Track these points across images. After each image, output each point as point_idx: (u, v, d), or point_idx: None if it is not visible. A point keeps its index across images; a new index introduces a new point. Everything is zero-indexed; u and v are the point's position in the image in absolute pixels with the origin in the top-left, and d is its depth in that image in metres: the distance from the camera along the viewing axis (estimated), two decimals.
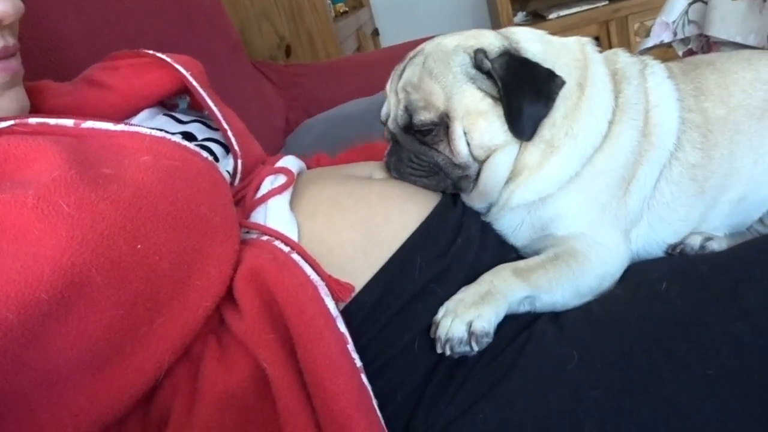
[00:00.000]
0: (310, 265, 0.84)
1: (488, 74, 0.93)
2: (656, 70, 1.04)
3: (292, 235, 0.90)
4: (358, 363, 0.77)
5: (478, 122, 0.94)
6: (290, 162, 1.10)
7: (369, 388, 0.76)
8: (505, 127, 0.94)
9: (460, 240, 0.95)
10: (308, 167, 1.30)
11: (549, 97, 0.92)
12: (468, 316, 0.83)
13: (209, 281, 0.78)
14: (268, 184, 1.00)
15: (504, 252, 1.02)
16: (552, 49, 0.99)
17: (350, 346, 0.77)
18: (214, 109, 1.07)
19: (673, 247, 1.02)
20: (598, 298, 0.92)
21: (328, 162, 1.36)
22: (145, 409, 0.75)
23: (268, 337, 0.76)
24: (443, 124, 0.96)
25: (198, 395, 0.74)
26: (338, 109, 2.15)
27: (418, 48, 1.02)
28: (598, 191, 0.97)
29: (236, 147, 1.06)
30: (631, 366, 0.79)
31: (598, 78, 0.99)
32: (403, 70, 1.00)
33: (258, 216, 0.95)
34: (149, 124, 1.06)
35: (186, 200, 0.78)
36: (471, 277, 0.92)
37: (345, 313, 0.82)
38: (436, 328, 0.84)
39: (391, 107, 1.02)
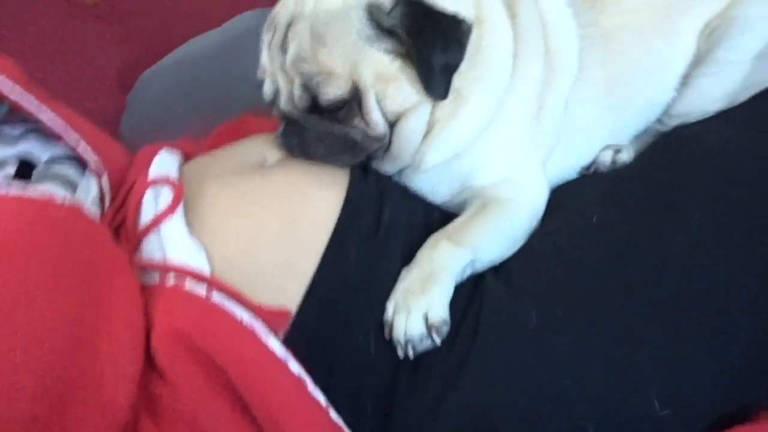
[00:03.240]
0: (236, 300, 0.73)
1: (388, 30, 0.81)
2: None
3: (202, 265, 0.77)
4: (323, 402, 0.70)
5: (389, 89, 0.84)
6: (167, 163, 0.93)
7: (341, 420, 0.70)
8: (417, 87, 0.84)
9: (386, 213, 0.87)
10: None
11: (460, 47, 0.82)
12: (421, 308, 0.77)
13: (117, 367, 0.64)
14: (151, 202, 0.84)
15: (430, 208, 0.95)
16: None
17: (310, 387, 0.69)
18: (51, 121, 0.85)
19: (587, 167, 1.01)
20: (537, 240, 0.89)
21: (193, 148, 1.18)
22: None
23: (214, 404, 0.66)
24: (355, 98, 0.84)
25: None
26: (183, 50, 1.87)
27: (288, 11, 0.85)
28: (512, 132, 0.93)
29: (92, 163, 0.86)
30: (590, 304, 0.79)
31: (493, 8, 0.91)
32: (284, 41, 0.85)
33: (152, 248, 0.80)
34: None
35: (54, 291, 0.61)
36: (411, 245, 0.85)
37: (290, 341, 0.74)
38: (391, 329, 0.77)
39: (281, 87, 0.87)
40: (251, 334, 0.69)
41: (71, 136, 0.85)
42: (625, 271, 0.81)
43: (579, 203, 0.92)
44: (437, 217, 0.94)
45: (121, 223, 0.85)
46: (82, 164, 0.89)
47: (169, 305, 0.70)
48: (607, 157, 1.00)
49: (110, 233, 0.75)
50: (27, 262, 0.61)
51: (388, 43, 0.83)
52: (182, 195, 0.83)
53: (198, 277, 0.74)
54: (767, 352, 0.76)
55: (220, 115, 1.62)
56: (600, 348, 0.76)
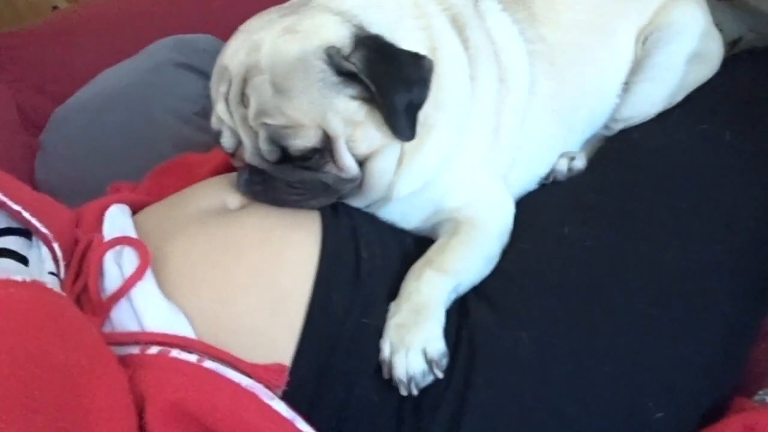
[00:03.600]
0: (230, 364, 0.69)
1: (350, 74, 0.79)
2: (489, 4, 0.98)
3: (186, 331, 0.72)
4: None
5: (356, 132, 0.82)
6: (119, 219, 0.86)
7: None
8: (383, 129, 0.82)
9: (363, 251, 0.85)
10: None
11: (423, 86, 0.81)
12: (418, 343, 0.75)
13: None
14: (113, 265, 0.78)
15: (402, 234, 0.94)
16: (390, 14, 0.87)
17: None
18: None
19: (546, 177, 1.04)
20: (512, 260, 0.90)
21: (128, 194, 1.10)
22: None
23: None
24: (326, 146, 0.81)
25: None
26: (94, 87, 1.75)
27: (241, 61, 0.81)
28: (476, 153, 0.93)
29: (41, 231, 0.78)
30: (580, 325, 0.80)
31: (445, 34, 0.91)
32: (242, 94, 0.81)
33: (124, 316, 0.74)
34: None
35: (35, 399, 0.54)
36: (393, 278, 0.84)
37: (289, 396, 0.71)
38: (390, 368, 0.75)
39: (244, 140, 0.83)
40: (253, 397, 0.65)
41: (10, 206, 0.77)
42: (608, 286, 0.83)
43: (547, 220, 0.93)
44: (410, 242, 0.93)
45: (82, 291, 0.78)
46: (26, 233, 0.81)
47: (160, 378, 0.65)
48: (563, 166, 1.03)
49: (78, 310, 0.69)
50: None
51: (352, 89, 0.80)
52: (149, 256, 0.78)
53: (184, 345, 0.69)
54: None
55: (144, 152, 1.55)
56: (596, 367, 0.78)
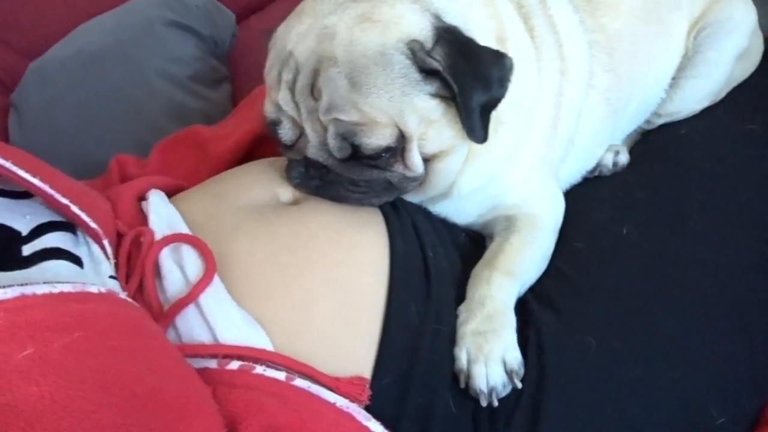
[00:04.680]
0: (314, 379, 0.65)
1: (430, 71, 0.74)
2: None
3: (263, 342, 0.67)
4: None
5: (429, 131, 0.77)
6: (166, 212, 0.80)
7: None
8: (456, 129, 0.78)
9: (428, 250, 0.82)
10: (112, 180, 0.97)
11: (502, 86, 0.76)
12: (498, 353, 0.74)
13: None
14: (172, 266, 0.72)
15: (456, 230, 0.92)
16: (461, 1, 0.81)
17: None
18: (36, 186, 0.67)
19: (591, 171, 1.02)
20: (568, 260, 0.88)
21: (137, 169, 1.02)
22: None
23: None
24: (399, 145, 0.76)
25: None
26: (73, 43, 1.60)
27: (311, 49, 0.74)
28: (537, 148, 0.90)
29: (93, 224, 0.70)
30: (638, 331, 0.80)
31: (513, 23, 0.86)
32: (312, 86, 0.74)
33: (192, 325, 0.68)
34: None
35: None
36: (456, 278, 0.83)
37: (373, 411, 0.67)
38: (467, 378, 0.73)
39: (309, 134, 0.77)
40: (351, 419, 0.62)
41: (58, 200, 0.68)
42: (667, 289, 0.83)
43: (600, 219, 0.92)
44: (465, 239, 0.91)
45: (135, 292, 0.71)
46: (68, 226, 0.72)
47: (250, 399, 0.60)
48: (608, 160, 1.02)
49: (154, 323, 0.63)
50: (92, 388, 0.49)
51: (431, 86, 0.75)
52: (214, 257, 0.72)
53: (268, 359, 0.65)
54: None
55: (134, 117, 1.44)
56: (663, 372, 0.78)
